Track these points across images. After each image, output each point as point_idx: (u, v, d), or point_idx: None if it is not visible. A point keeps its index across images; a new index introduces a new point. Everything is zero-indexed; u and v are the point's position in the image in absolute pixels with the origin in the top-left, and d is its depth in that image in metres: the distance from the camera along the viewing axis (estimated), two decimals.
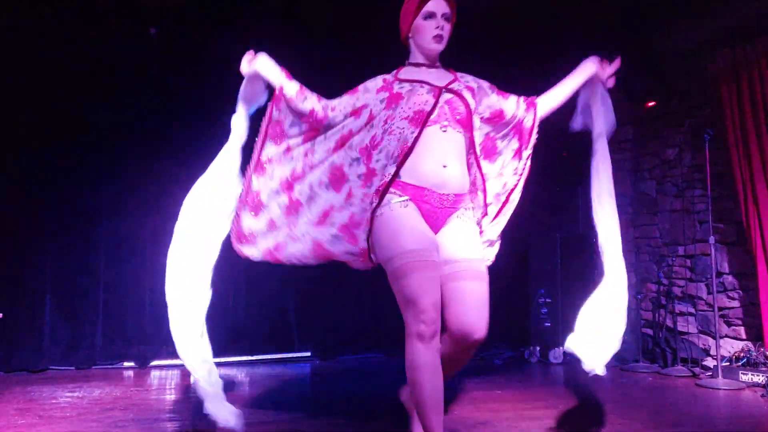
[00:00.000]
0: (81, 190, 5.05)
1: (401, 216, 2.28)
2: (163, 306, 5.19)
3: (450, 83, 2.45)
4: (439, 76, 2.48)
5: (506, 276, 6.01)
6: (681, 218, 5.41)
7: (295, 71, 2.58)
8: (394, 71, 2.53)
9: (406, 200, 2.31)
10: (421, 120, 2.33)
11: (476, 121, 2.47)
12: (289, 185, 2.59)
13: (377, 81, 2.51)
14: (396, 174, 2.33)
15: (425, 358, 2.15)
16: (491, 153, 2.63)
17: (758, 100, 4.60)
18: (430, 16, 2.41)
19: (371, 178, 2.43)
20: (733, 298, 4.97)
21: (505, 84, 2.67)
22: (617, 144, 6.03)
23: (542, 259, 5.74)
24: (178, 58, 5.09)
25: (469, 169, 2.48)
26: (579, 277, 5.88)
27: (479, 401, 3.81)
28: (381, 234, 2.31)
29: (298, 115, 2.54)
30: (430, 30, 2.43)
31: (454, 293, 2.27)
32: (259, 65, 2.52)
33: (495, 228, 2.65)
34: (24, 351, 4.80)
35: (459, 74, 2.55)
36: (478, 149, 2.49)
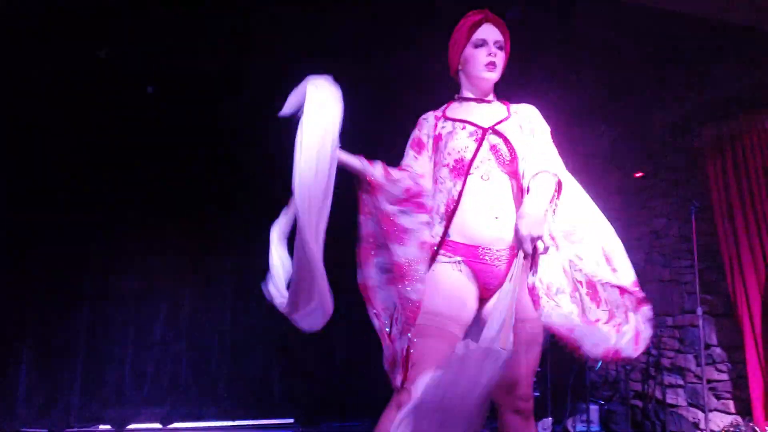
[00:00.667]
0: (66, 246, 4.99)
1: (448, 278, 2.05)
2: (145, 366, 5.14)
3: (499, 122, 2.15)
4: (489, 113, 2.20)
5: None
6: (669, 289, 5.42)
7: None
8: (443, 107, 2.28)
9: (459, 261, 2.06)
10: (463, 170, 2.08)
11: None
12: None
13: (430, 120, 2.24)
14: (445, 233, 2.08)
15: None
16: None
17: (742, 174, 4.70)
18: (482, 44, 2.20)
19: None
20: (722, 371, 4.93)
21: None
22: (605, 213, 6.08)
23: None
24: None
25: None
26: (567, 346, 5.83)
27: None
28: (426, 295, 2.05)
29: (395, 202, 2.13)
30: (481, 58, 2.20)
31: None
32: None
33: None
34: None
35: (517, 107, 2.25)
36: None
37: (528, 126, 2.18)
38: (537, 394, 5.41)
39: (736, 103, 4.75)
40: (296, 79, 1.97)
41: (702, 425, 4.62)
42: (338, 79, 1.97)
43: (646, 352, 5.32)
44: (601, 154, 6.04)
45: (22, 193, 4.83)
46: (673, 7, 4.08)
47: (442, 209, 2.10)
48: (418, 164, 2.20)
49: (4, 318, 4.75)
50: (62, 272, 4.97)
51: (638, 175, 5.74)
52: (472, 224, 2.06)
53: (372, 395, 5.30)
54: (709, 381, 4.86)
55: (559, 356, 5.64)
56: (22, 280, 4.83)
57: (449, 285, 2.04)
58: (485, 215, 2.06)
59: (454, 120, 2.18)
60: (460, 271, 2.05)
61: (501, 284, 1.98)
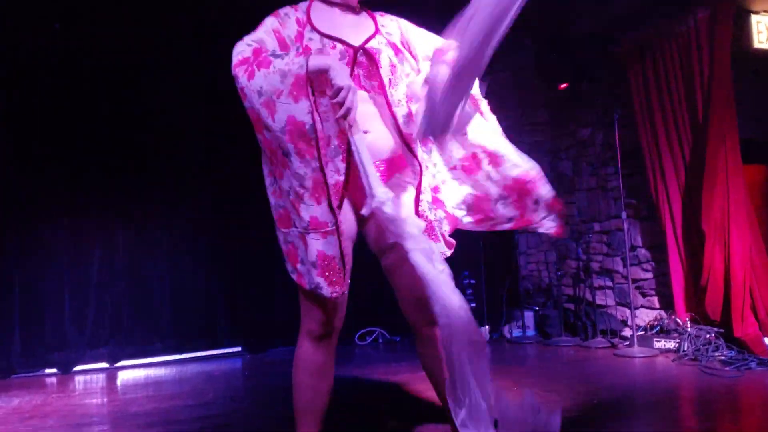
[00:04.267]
0: None
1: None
2: (86, 308, 5.09)
3: (368, 40, 2.07)
4: (357, 27, 2.11)
5: None
6: (596, 196, 5.62)
7: None
8: (306, 5, 2.12)
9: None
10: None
11: (396, 92, 2.08)
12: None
13: (291, 19, 2.07)
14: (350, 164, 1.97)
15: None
16: None
17: (662, 80, 4.82)
18: None
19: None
20: (647, 270, 5.20)
21: None
22: (533, 126, 6.21)
23: (465, 241, 5.83)
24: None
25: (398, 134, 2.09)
26: (501, 257, 6.05)
27: (408, 381, 3.87)
28: None
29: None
30: None
31: (399, 274, 2.09)
32: None
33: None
34: None
35: (380, 20, 2.18)
36: (404, 126, 2.06)
37: (397, 35, 2.16)
38: (474, 305, 5.63)
39: (656, 9, 4.82)
40: None
41: (629, 322, 4.91)
42: None
43: (576, 257, 5.58)
44: (527, 67, 6.09)
45: None
46: None
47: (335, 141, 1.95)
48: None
49: None
50: None
51: (563, 86, 5.84)
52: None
53: None
54: (634, 281, 5.14)
55: (493, 268, 5.86)
56: None
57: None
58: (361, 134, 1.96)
59: (322, 34, 2.03)
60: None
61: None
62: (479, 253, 5.76)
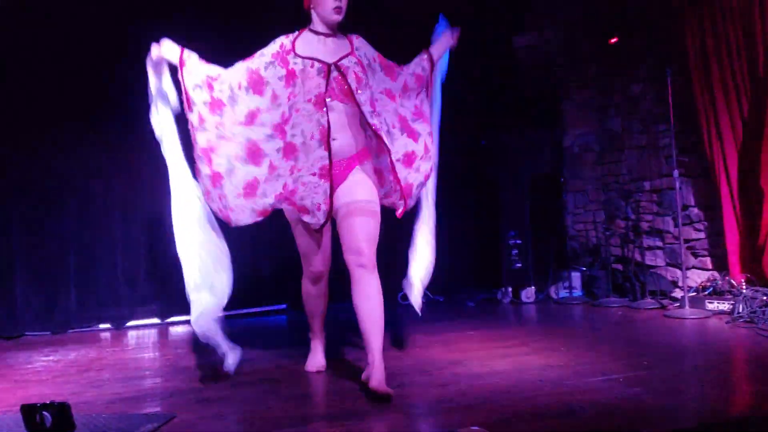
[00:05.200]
0: (48, 153, 4.94)
1: None
2: (137, 266, 5.22)
3: (342, 58, 2.79)
4: (335, 48, 2.82)
5: (477, 219, 6.11)
6: (647, 154, 5.46)
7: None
8: (295, 34, 2.83)
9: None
10: (322, 102, 2.73)
11: (363, 95, 2.79)
12: (207, 156, 2.84)
13: (274, 46, 2.82)
14: (331, 155, 2.77)
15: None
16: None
17: (720, 32, 4.60)
18: None
19: (294, 152, 2.79)
20: (699, 230, 5.06)
21: None
22: (581, 82, 6.04)
23: (512, 200, 5.77)
24: None
25: (364, 132, 2.86)
26: (548, 217, 5.97)
27: (452, 342, 3.88)
28: None
29: (205, 80, 2.81)
30: (329, 3, 2.74)
31: (346, 227, 2.81)
32: (165, 48, 2.81)
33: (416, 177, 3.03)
34: None
35: (357, 43, 2.90)
36: (369, 117, 2.79)
37: (366, 60, 2.90)
38: (520, 265, 5.58)
39: None
40: None
41: (680, 283, 4.80)
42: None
43: (625, 217, 5.46)
44: (575, 21, 5.90)
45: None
46: None
47: (318, 136, 2.74)
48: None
49: None
50: (41, 180, 4.93)
51: (613, 41, 5.63)
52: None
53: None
54: (686, 240, 4.99)
55: (539, 228, 5.78)
56: (6, 190, 4.82)
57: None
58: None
59: (302, 57, 2.77)
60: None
61: (344, 180, 2.84)
62: (525, 213, 5.68)
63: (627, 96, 5.65)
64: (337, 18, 2.77)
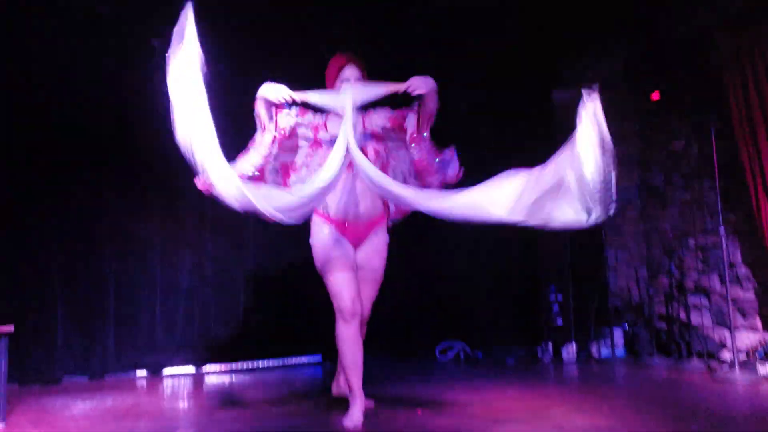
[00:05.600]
0: (89, 198, 5.03)
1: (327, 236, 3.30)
2: (175, 312, 5.24)
3: (359, 134, 3.18)
4: (354, 124, 3.08)
5: (517, 274, 6.03)
6: (691, 210, 5.36)
7: None
8: (326, 116, 3.35)
9: (332, 229, 3.31)
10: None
11: (383, 159, 3.35)
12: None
13: (318, 118, 3.35)
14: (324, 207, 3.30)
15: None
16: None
17: (764, 87, 4.56)
18: (347, 80, 3.25)
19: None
20: (748, 289, 4.92)
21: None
22: (622, 138, 5.99)
23: (552, 255, 5.70)
24: None
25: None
26: (589, 272, 5.86)
27: (492, 401, 3.78)
28: (315, 252, 3.35)
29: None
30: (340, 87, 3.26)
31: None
32: (279, 91, 3.19)
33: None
34: (37, 362, 4.78)
35: (369, 116, 3.34)
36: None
37: (379, 127, 3.36)
38: (560, 321, 5.47)
39: (756, 13, 4.57)
40: None
41: (729, 344, 4.63)
42: None
43: (669, 273, 5.33)
44: (616, 77, 5.89)
45: (40, 148, 4.84)
46: None
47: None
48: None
49: (34, 268, 4.82)
50: (84, 222, 5.00)
51: (655, 96, 5.60)
52: (340, 206, 3.29)
53: (393, 330, 5.42)
54: (734, 299, 4.84)
55: (581, 282, 5.67)
56: (48, 232, 4.88)
57: (333, 240, 3.30)
58: (352, 202, 3.28)
59: (333, 136, 3.12)
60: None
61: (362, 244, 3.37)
62: (566, 268, 5.59)
63: (669, 151, 5.59)
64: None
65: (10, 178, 4.77)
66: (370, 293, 3.41)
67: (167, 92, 2.59)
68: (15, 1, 4.66)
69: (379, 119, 3.36)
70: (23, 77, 4.80)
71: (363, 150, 3.10)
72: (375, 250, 3.37)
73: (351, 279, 3.23)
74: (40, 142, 4.85)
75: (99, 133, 5.03)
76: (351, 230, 3.31)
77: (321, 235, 3.29)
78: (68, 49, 4.87)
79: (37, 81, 4.84)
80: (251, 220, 5.34)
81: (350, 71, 3.28)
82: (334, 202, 3.27)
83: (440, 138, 3.42)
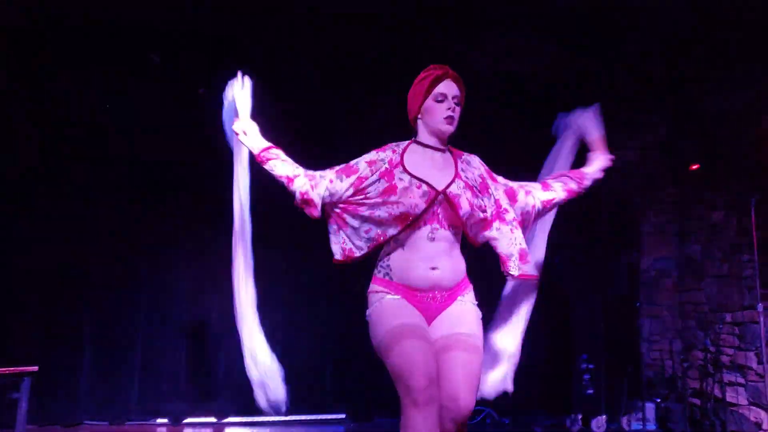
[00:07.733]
0: (120, 245, 5.10)
1: (396, 306, 2.36)
2: (200, 361, 5.22)
3: (450, 184, 2.38)
4: (443, 167, 2.44)
5: (547, 341, 5.90)
6: (728, 284, 5.24)
7: None
8: (403, 146, 2.48)
9: (399, 299, 2.37)
10: (406, 221, 2.35)
11: (472, 218, 2.43)
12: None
13: (382, 163, 2.43)
14: (387, 273, 2.41)
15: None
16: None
17: None
18: (442, 99, 2.40)
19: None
20: None
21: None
22: (660, 206, 5.94)
23: (584, 322, 5.59)
24: None
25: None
26: (622, 342, 5.73)
27: None
28: (375, 326, 2.38)
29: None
30: (441, 111, 2.40)
31: (444, 363, 2.26)
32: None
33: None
34: (59, 404, 4.78)
35: (464, 161, 2.51)
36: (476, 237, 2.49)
37: (477, 180, 2.47)
38: (591, 391, 5.32)
39: None
40: None
41: (765, 425, 4.46)
42: None
43: (704, 348, 5.18)
44: (657, 146, 5.88)
45: (85, 189, 4.96)
46: None
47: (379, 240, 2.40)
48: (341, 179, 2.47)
49: (63, 313, 4.87)
50: (117, 270, 5.07)
51: (695, 167, 5.56)
52: (411, 271, 2.36)
53: None
54: None
55: (614, 353, 5.54)
56: (79, 276, 4.95)
57: (400, 309, 2.34)
58: (424, 265, 2.35)
59: (411, 175, 2.38)
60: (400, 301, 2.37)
61: (437, 315, 2.38)
62: (599, 337, 5.47)
63: (708, 223, 5.51)
64: (449, 129, 2.42)
65: (47, 229, 4.88)
66: (468, 370, 2.26)
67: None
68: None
69: (473, 170, 2.53)
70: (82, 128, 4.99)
71: (452, 199, 2.37)
72: (459, 311, 2.40)
73: (425, 349, 2.23)
74: (81, 181, 4.98)
75: (135, 183, 5.16)
76: (422, 304, 2.39)
77: (383, 302, 2.39)
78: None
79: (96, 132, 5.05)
80: (281, 270, 5.39)
81: (447, 87, 2.42)
82: (404, 265, 2.40)
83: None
